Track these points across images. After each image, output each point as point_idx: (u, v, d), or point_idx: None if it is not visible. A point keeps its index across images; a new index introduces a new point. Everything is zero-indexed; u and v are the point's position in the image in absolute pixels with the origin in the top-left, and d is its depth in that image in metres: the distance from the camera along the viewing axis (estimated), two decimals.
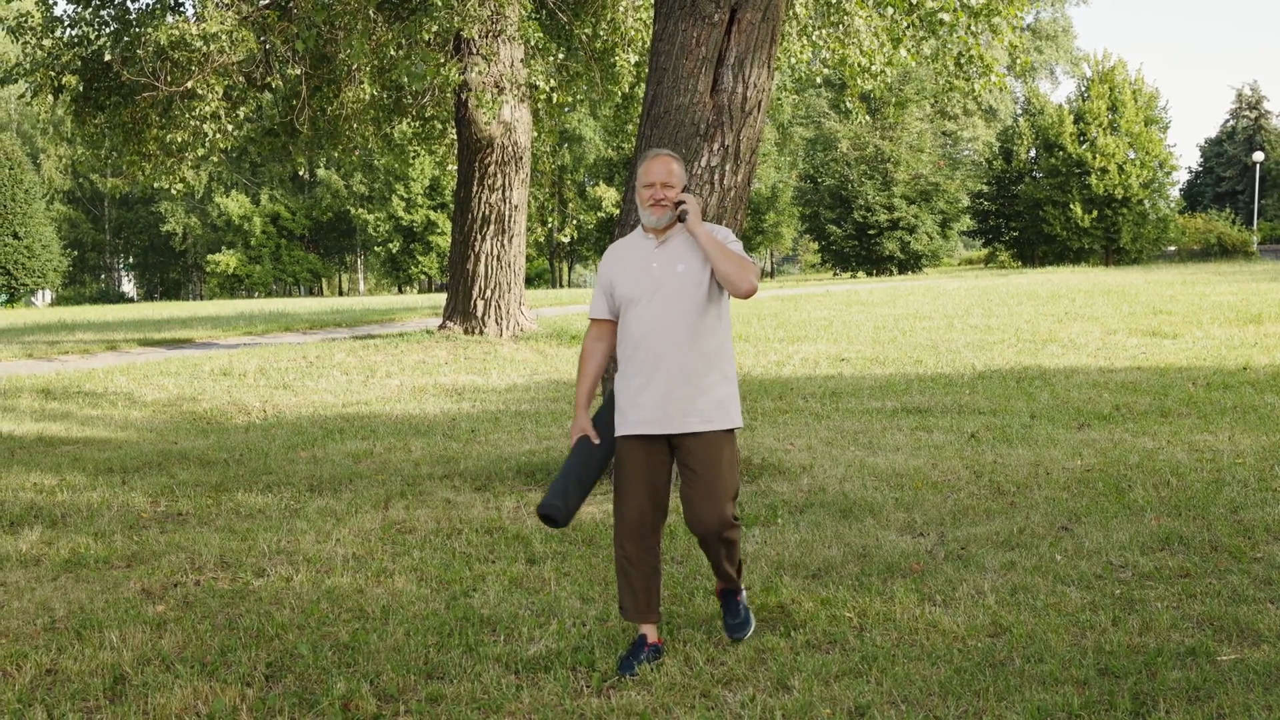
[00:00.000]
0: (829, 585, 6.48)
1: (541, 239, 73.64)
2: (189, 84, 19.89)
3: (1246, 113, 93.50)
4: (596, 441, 5.53)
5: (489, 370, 18.43)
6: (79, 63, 20.82)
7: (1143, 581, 6.39)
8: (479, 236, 21.83)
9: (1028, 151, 72.00)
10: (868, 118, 36.91)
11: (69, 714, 4.93)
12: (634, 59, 21.29)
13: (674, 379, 5.34)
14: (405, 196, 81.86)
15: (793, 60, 21.23)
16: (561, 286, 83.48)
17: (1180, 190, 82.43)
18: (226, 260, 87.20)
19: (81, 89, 21.02)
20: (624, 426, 5.46)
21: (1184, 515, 7.81)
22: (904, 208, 67.60)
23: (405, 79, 18.97)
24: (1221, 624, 5.64)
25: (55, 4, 21.76)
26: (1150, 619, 5.73)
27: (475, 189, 21.77)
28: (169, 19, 20.63)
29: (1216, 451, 10.10)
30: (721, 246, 5.37)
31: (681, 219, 5.42)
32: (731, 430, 5.46)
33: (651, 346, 5.38)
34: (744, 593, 5.77)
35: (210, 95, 20.34)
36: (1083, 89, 68.16)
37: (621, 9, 21.21)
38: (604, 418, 5.62)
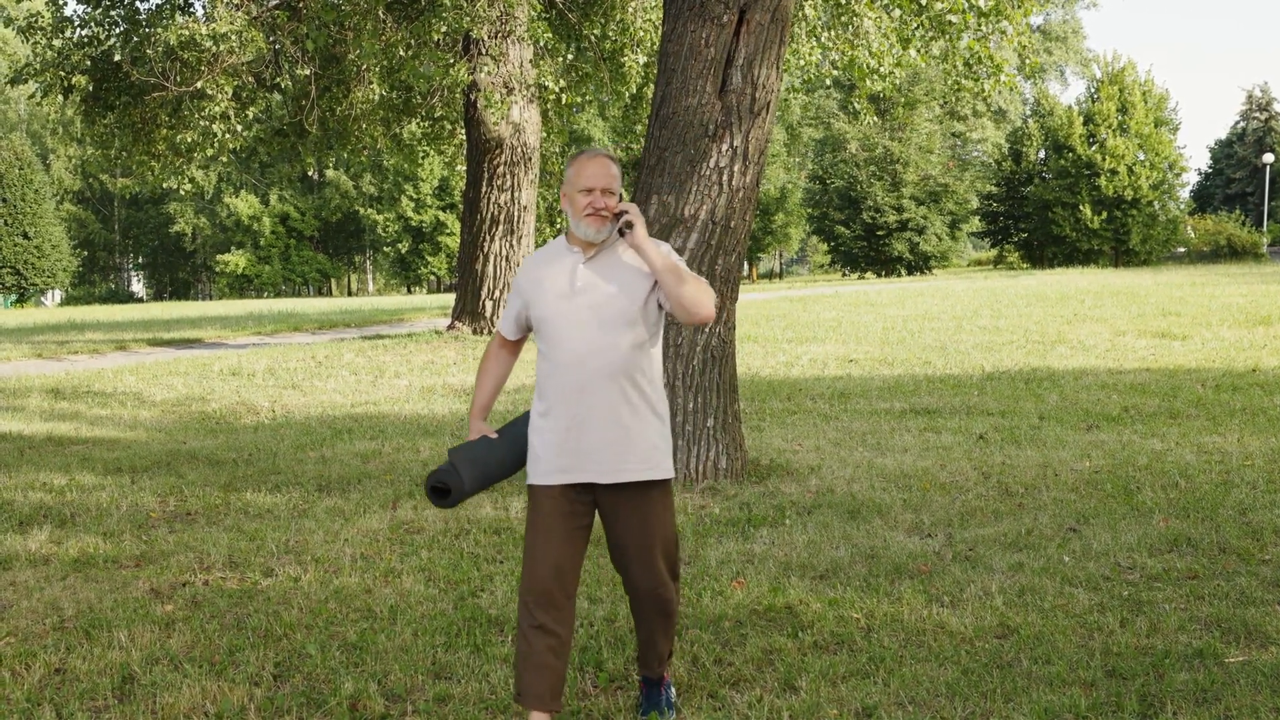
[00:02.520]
0: (836, 586, 6.47)
1: (550, 239, 73.72)
2: (198, 84, 19.94)
3: (1256, 114, 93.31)
4: (494, 438, 4.81)
5: None
6: (89, 63, 20.87)
7: (1151, 583, 6.38)
8: (488, 237, 21.85)
9: (1037, 153, 71.90)
10: (876, 119, 36.93)
11: (77, 713, 4.95)
12: (643, 60, 21.32)
13: (601, 420, 4.53)
14: (414, 197, 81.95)
15: (801, 61, 21.23)
16: None
17: (1190, 192, 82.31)
18: (236, 260, 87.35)
19: (91, 89, 21.06)
20: (539, 474, 4.64)
21: (1192, 517, 7.80)
22: (913, 209, 67.56)
23: (414, 80, 19.00)
24: (1229, 626, 5.63)
25: (65, 4, 21.77)
26: (1158, 620, 5.73)
27: (484, 189, 21.80)
28: (178, 19, 20.65)
29: (1225, 453, 10.08)
30: (674, 265, 4.54)
31: (623, 233, 4.58)
32: (666, 480, 4.69)
33: (575, 381, 4.54)
34: (671, 685, 5.00)
35: (219, 95, 20.39)
36: (1092, 90, 68.08)
37: (631, 10, 21.23)
38: (519, 429, 4.86)
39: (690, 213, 9.11)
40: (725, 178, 9.12)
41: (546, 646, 4.54)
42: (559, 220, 30.89)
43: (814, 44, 20.91)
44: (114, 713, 4.97)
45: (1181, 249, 68.99)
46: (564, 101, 23.03)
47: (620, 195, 4.68)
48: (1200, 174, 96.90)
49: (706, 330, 9.23)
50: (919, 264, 69.11)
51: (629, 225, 4.57)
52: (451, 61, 19.41)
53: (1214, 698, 4.82)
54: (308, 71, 21.52)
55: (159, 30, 19.85)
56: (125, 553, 7.66)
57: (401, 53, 19.69)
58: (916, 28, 19.65)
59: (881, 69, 20.12)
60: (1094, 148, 65.20)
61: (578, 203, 4.61)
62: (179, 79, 20.19)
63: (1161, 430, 11.40)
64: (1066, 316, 24.88)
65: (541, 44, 21.26)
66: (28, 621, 6.21)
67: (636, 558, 4.65)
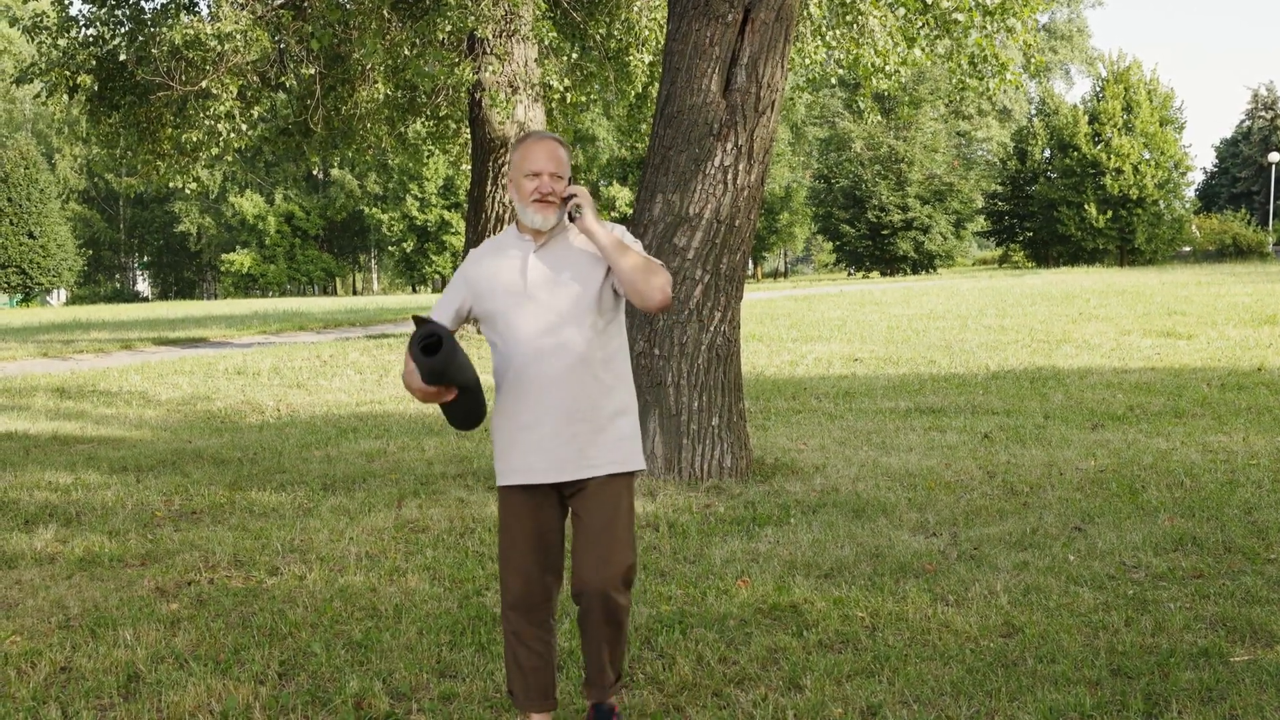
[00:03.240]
0: (841, 585, 6.47)
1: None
2: (203, 83, 19.95)
3: (1262, 113, 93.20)
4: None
5: None
6: (94, 62, 20.90)
7: (1156, 582, 6.38)
8: (492, 236, 21.85)
9: (1042, 152, 71.90)
10: (881, 117, 36.89)
11: (83, 711, 4.95)
12: (648, 58, 21.32)
13: (566, 415, 4.35)
14: (419, 196, 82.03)
15: (807, 60, 21.23)
16: None
17: (1195, 191, 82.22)
18: (241, 260, 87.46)
19: (96, 88, 21.09)
20: (506, 474, 4.47)
21: (1197, 516, 7.79)
22: (918, 208, 67.59)
23: (418, 79, 19.01)
24: (1235, 625, 5.63)
25: (71, 4, 21.84)
26: (1163, 620, 5.72)
27: (489, 188, 21.81)
28: (183, 18, 20.69)
29: (1231, 452, 10.07)
30: (626, 249, 4.35)
31: (573, 217, 4.41)
32: (633, 474, 4.53)
33: (534, 376, 4.34)
34: (617, 713, 4.70)
35: (225, 95, 20.40)
36: (1097, 89, 68.09)
37: (635, 9, 21.23)
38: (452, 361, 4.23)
39: (695, 211, 9.11)
40: (730, 176, 9.12)
41: (532, 652, 4.53)
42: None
43: (819, 42, 20.91)
44: (119, 711, 4.97)
45: (1187, 248, 68.97)
46: (569, 101, 23.04)
47: (570, 179, 4.49)
48: (1205, 173, 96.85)
49: (711, 329, 9.23)
50: (924, 263, 69.14)
51: (578, 209, 4.40)
52: (456, 61, 19.41)
53: (1219, 697, 4.82)
54: (313, 71, 21.53)
55: (164, 30, 19.89)
56: (131, 551, 7.67)
57: (406, 52, 19.71)
58: (921, 26, 19.65)
59: (887, 67, 20.11)
60: (1099, 147, 65.22)
61: (524, 188, 4.42)
62: (184, 78, 20.21)
63: (1167, 429, 11.39)
64: (1071, 315, 24.87)
65: (546, 43, 21.27)
66: (33, 620, 6.22)
67: (594, 550, 4.41)
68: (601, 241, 4.36)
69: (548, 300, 4.37)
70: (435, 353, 4.17)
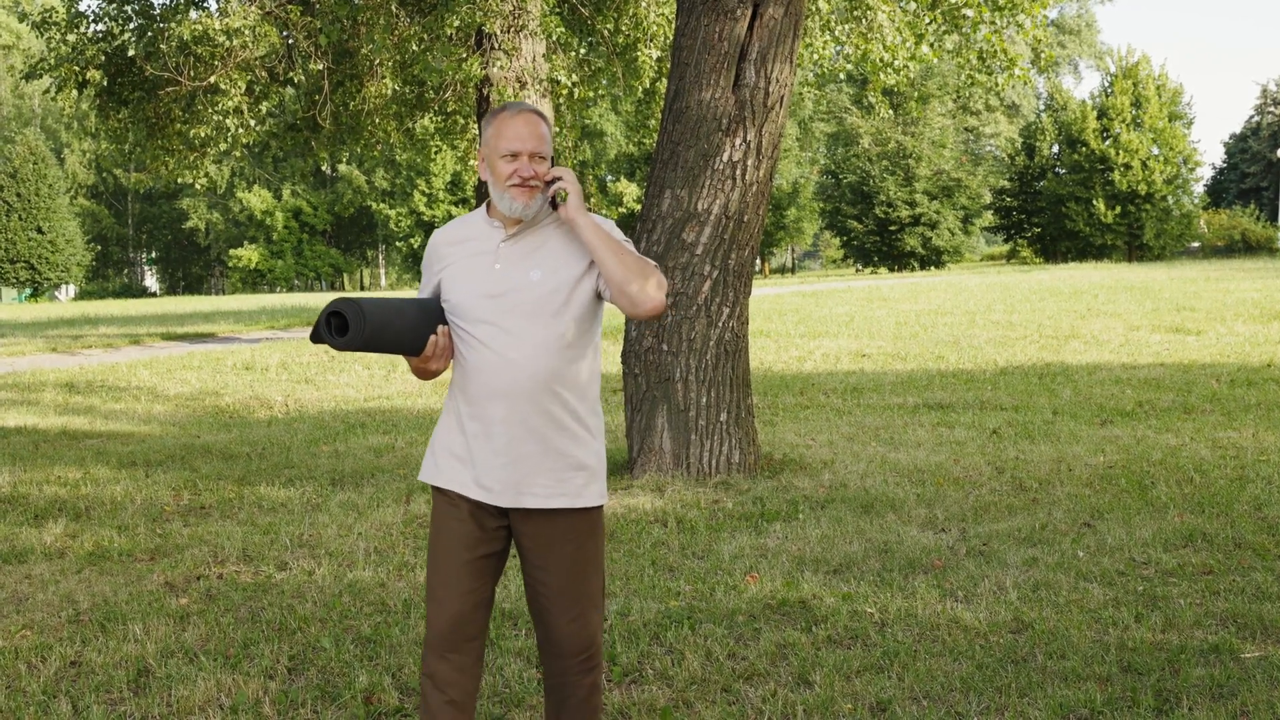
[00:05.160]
0: (850, 581, 6.47)
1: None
2: (212, 79, 19.97)
3: (1271, 109, 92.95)
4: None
5: None
6: (103, 58, 20.91)
7: (1166, 578, 6.37)
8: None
9: (1050, 147, 71.79)
10: (890, 113, 36.87)
11: (93, 706, 4.96)
12: (656, 54, 21.29)
13: (520, 433, 3.77)
14: (427, 192, 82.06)
15: (815, 55, 21.21)
16: None
17: (1204, 186, 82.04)
18: (248, 255, 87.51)
19: (105, 84, 21.10)
20: (438, 473, 3.93)
21: (1207, 512, 7.78)
22: (926, 203, 67.53)
23: (426, 74, 19.01)
24: (1245, 621, 5.62)
25: None
26: (1173, 616, 5.71)
27: None
28: (192, 14, 20.71)
29: (1240, 448, 10.06)
30: (617, 245, 3.74)
31: (555, 205, 3.82)
32: (595, 510, 3.91)
33: (485, 385, 3.78)
34: None
35: (233, 90, 20.41)
36: (1106, 85, 67.95)
37: (644, 4, 21.21)
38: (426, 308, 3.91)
39: (703, 207, 9.11)
40: (739, 172, 9.11)
41: (444, 701, 3.84)
42: None
43: (828, 38, 20.88)
44: (129, 705, 4.98)
45: (1195, 244, 68.84)
46: (577, 96, 23.01)
47: (553, 160, 3.90)
48: (1214, 169, 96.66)
49: (720, 325, 9.23)
50: (931, 259, 69.07)
51: (563, 195, 3.78)
52: (464, 56, 19.41)
53: (1230, 693, 4.81)
54: (321, 66, 21.52)
55: (173, 25, 19.89)
56: (140, 546, 7.68)
57: (414, 47, 19.69)
58: (930, 22, 19.62)
59: (895, 63, 20.08)
60: (1108, 142, 65.10)
61: (500, 171, 3.79)
62: (193, 74, 20.22)
63: (1176, 425, 11.38)
64: (1080, 311, 24.84)
65: (554, 38, 21.24)
66: (43, 614, 6.23)
67: (559, 602, 3.86)
68: (586, 236, 3.74)
69: (513, 300, 3.77)
70: (346, 331, 3.75)
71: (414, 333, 3.82)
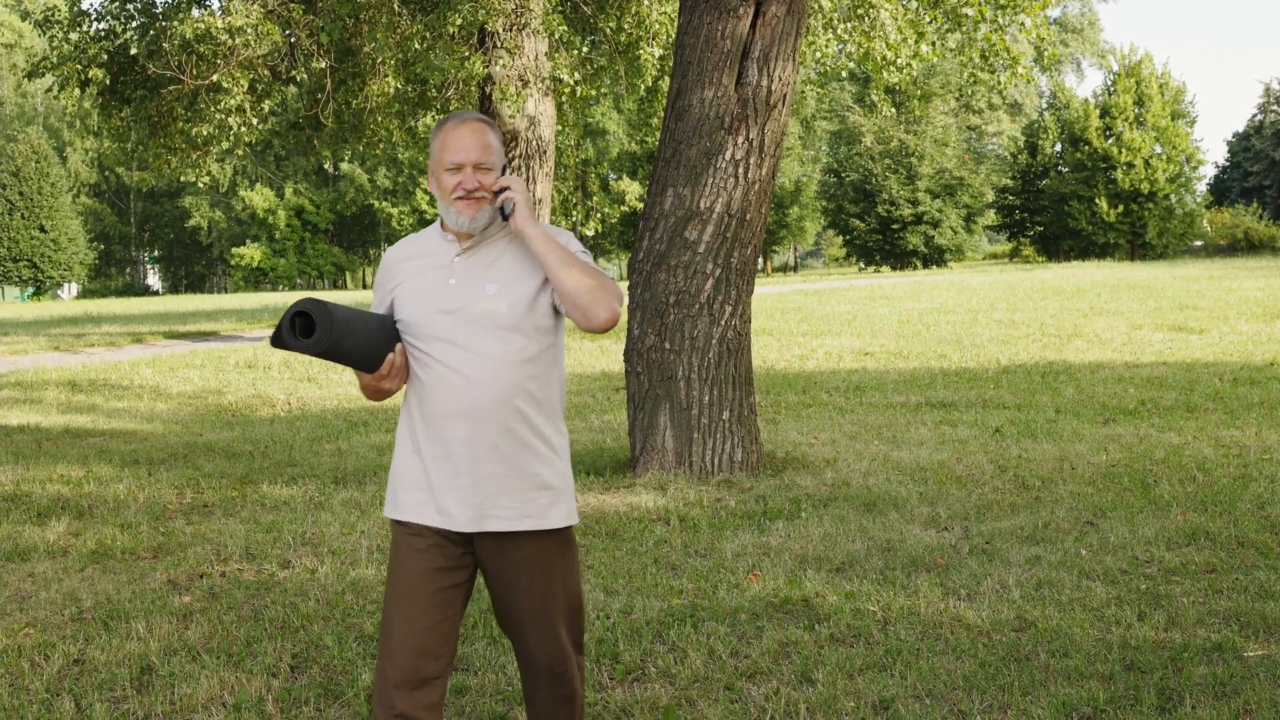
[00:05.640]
0: (853, 579, 6.47)
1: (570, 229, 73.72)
2: (214, 77, 19.98)
3: (1274, 107, 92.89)
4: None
5: None
6: (105, 56, 20.91)
7: (1168, 577, 6.37)
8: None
9: (1053, 146, 71.78)
10: (892, 111, 36.84)
11: (96, 704, 4.96)
12: (658, 52, 21.29)
13: (481, 454, 3.63)
14: (429, 190, 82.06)
15: (817, 53, 21.21)
16: None
17: (1207, 185, 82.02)
18: (251, 253, 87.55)
19: (108, 82, 21.10)
20: (396, 504, 3.77)
21: (1210, 511, 7.78)
22: (928, 202, 67.53)
23: (429, 73, 19.01)
24: (1248, 619, 5.61)
25: None
26: (1176, 614, 5.71)
27: None
28: (194, 12, 20.71)
29: (1243, 447, 10.05)
30: (568, 256, 3.62)
31: (505, 215, 3.67)
32: (564, 531, 3.80)
33: (441, 405, 3.65)
34: None
35: (235, 88, 20.41)
36: (1109, 83, 67.95)
37: (646, 2, 21.21)
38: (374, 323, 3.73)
39: (706, 206, 9.11)
40: (741, 171, 9.11)
41: None
42: (574, 213, 30.83)
43: (830, 36, 20.88)
44: (132, 703, 4.98)
45: (1198, 242, 68.83)
46: (579, 94, 23.01)
47: (506, 169, 3.78)
48: (1217, 167, 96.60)
49: (722, 323, 9.22)
50: (934, 257, 69.07)
51: (510, 205, 3.66)
52: (467, 54, 19.40)
53: (1233, 691, 4.81)
54: (323, 65, 21.53)
55: (175, 24, 19.90)
56: (143, 544, 7.69)
57: (417, 46, 19.68)
58: (930, 21, 19.63)
59: (898, 61, 20.08)
60: (1110, 141, 65.12)
61: (444, 184, 3.70)
62: (195, 72, 20.23)
63: (1179, 424, 11.37)
64: (1083, 310, 24.83)
65: (557, 37, 21.23)
66: (46, 612, 6.24)
67: (532, 624, 3.77)
68: (536, 247, 3.62)
69: (469, 315, 3.65)
70: (311, 333, 3.58)
71: (375, 346, 3.68)
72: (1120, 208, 64.44)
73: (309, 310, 3.56)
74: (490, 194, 3.69)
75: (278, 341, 3.63)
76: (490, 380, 3.62)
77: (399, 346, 3.71)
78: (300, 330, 3.60)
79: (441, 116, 3.73)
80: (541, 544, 3.73)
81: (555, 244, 3.63)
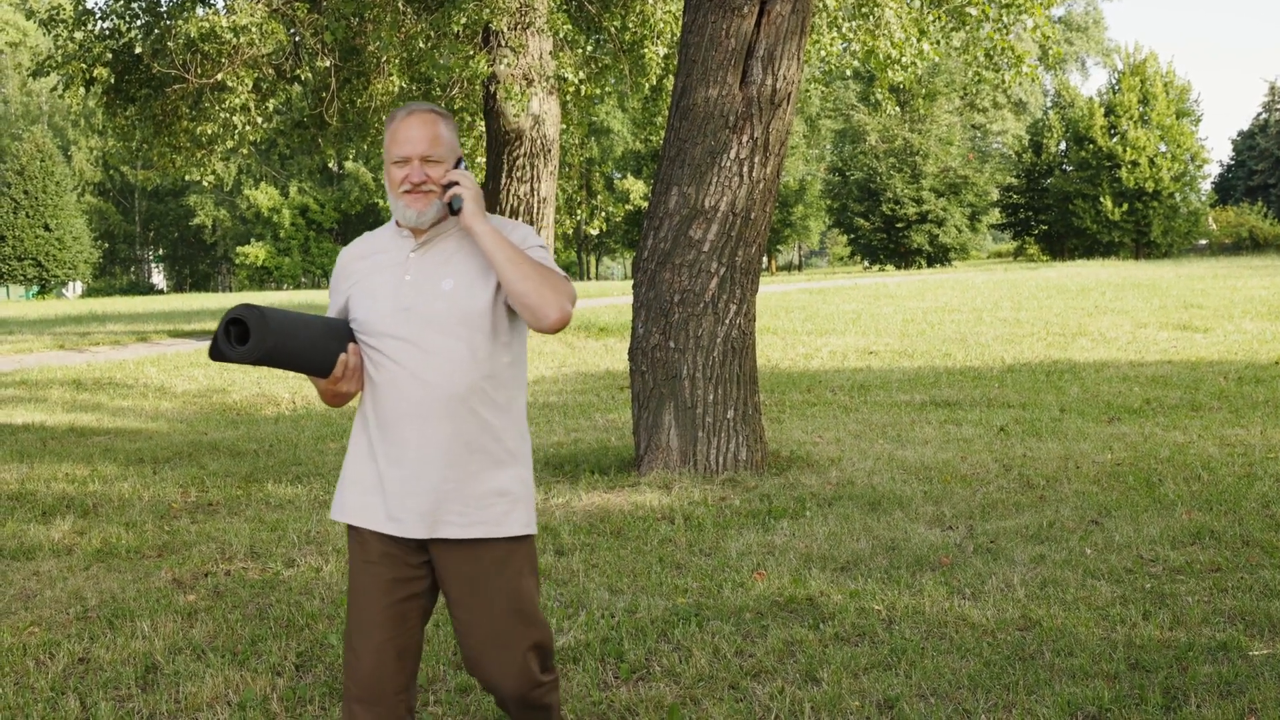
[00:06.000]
0: (858, 578, 6.46)
1: (569, 231, 73.85)
2: (219, 76, 20.02)
3: (1279, 106, 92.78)
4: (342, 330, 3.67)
5: None
6: (110, 55, 20.96)
7: (1173, 576, 6.36)
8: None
9: (1057, 144, 71.74)
10: (897, 110, 36.85)
11: (101, 702, 4.96)
12: (663, 51, 21.31)
13: (435, 457, 3.52)
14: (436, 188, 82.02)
15: (822, 52, 21.21)
16: (589, 279, 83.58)
17: (1212, 184, 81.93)
18: (255, 252, 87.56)
19: (113, 81, 21.15)
20: (348, 509, 3.66)
21: (1215, 509, 7.77)
22: (932, 201, 67.49)
23: (433, 72, 19.03)
24: (1253, 618, 5.61)
25: None
26: (1181, 613, 5.70)
27: (504, 181, 21.81)
28: (199, 11, 20.74)
29: (1248, 446, 10.04)
30: (515, 253, 3.50)
31: (454, 210, 3.58)
32: (524, 539, 3.67)
33: (394, 406, 3.56)
34: None
35: (240, 87, 20.45)
36: (1113, 82, 67.91)
37: (651, 1, 21.21)
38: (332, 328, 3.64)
39: (710, 204, 9.11)
40: (746, 169, 9.11)
41: None
42: (579, 212, 30.85)
43: (835, 34, 20.88)
44: (137, 702, 4.99)
45: (1203, 241, 68.76)
46: (584, 93, 23.02)
47: (462, 161, 3.65)
48: (1222, 166, 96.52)
49: (727, 322, 9.22)
50: (938, 256, 69.03)
51: (458, 201, 3.57)
52: (471, 53, 19.42)
53: (1238, 690, 4.80)
54: (327, 63, 21.56)
55: (180, 22, 19.94)
56: (148, 543, 7.69)
57: (421, 44, 19.70)
58: (934, 20, 19.63)
59: (903, 59, 20.08)
60: (1115, 139, 65.04)
61: (392, 177, 3.60)
62: (200, 71, 20.27)
63: (1184, 423, 11.36)
64: (1087, 309, 24.81)
65: (561, 35, 21.25)
66: (51, 611, 6.24)
67: (490, 644, 3.60)
68: (484, 244, 3.50)
69: (423, 315, 3.54)
70: (247, 340, 3.47)
71: (321, 349, 3.56)
72: (1125, 206, 64.39)
73: (243, 317, 3.45)
74: (439, 188, 3.59)
75: (216, 353, 3.53)
76: (445, 381, 3.52)
77: (353, 347, 3.61)
78: (236, 338, 3.48)
79: (395, 110, 3.60)
80: (499, 554, 3.60)
81: (504, 241, 3.51)
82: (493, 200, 22.03)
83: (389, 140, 3.61)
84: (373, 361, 3.60)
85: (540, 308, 3.46)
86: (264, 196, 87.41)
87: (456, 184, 3.56)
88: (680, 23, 10.42)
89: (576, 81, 22.13)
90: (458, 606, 3.62)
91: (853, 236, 72.39)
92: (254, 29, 19.30)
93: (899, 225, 68.30)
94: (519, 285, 3.47)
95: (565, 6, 21.57)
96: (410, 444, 3.54)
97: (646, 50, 21.33)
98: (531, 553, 3.69)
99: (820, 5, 19.87)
